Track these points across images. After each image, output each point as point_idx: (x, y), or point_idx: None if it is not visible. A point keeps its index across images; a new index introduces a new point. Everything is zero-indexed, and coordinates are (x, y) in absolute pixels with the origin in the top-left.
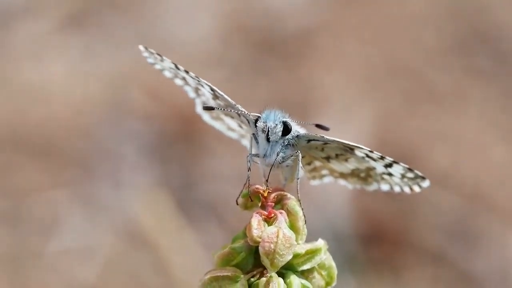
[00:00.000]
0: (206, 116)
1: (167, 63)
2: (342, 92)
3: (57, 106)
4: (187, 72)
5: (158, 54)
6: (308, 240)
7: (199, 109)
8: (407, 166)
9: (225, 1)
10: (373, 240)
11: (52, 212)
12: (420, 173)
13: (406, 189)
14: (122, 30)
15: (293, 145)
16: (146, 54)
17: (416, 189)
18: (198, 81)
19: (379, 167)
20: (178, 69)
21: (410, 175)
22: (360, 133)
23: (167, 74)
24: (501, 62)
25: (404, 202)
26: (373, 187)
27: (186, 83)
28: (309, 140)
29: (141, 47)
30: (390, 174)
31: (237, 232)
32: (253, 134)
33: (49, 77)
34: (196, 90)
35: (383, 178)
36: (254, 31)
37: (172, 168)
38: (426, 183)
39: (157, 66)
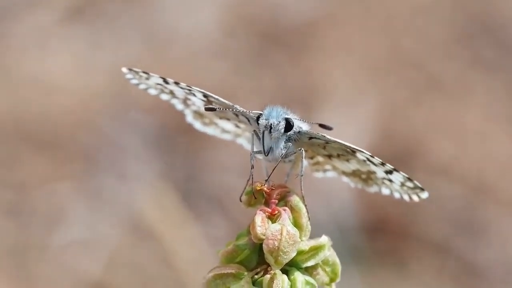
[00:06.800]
0: (197, 124)
1: (154, 79)
2: (346, 84)
3: (62, 98)
4: (177, 83)
5: (144, 72)
6: (312, 233)
7: (189, 118)
8: (407, 175)
9: None
10: (378, 231)
11: (57, 204)
12: (419, 184)
13: (406, 197)
14: (126, 21)
15: (295, 140)
16: (129, 75)
17: (415, 198)
18: (190, 90)
19: (380, 172)
20: (167, 83)
21: (409, 184)
22: (364, 124)
23: (153, 91)
24: (505, 53)
25: None
26: (373, 189)
27: (174, 96)
28: (310, 138)
29: (124, 69)
30: (390, 180)
31: (241, 224)
32: (254, 131)
33: (53, 69)
34: (185, 101)
35: (383, 183)
36: (258, 23)
37: (177, 160)
38: (425, 194)
39: (142, 86)
